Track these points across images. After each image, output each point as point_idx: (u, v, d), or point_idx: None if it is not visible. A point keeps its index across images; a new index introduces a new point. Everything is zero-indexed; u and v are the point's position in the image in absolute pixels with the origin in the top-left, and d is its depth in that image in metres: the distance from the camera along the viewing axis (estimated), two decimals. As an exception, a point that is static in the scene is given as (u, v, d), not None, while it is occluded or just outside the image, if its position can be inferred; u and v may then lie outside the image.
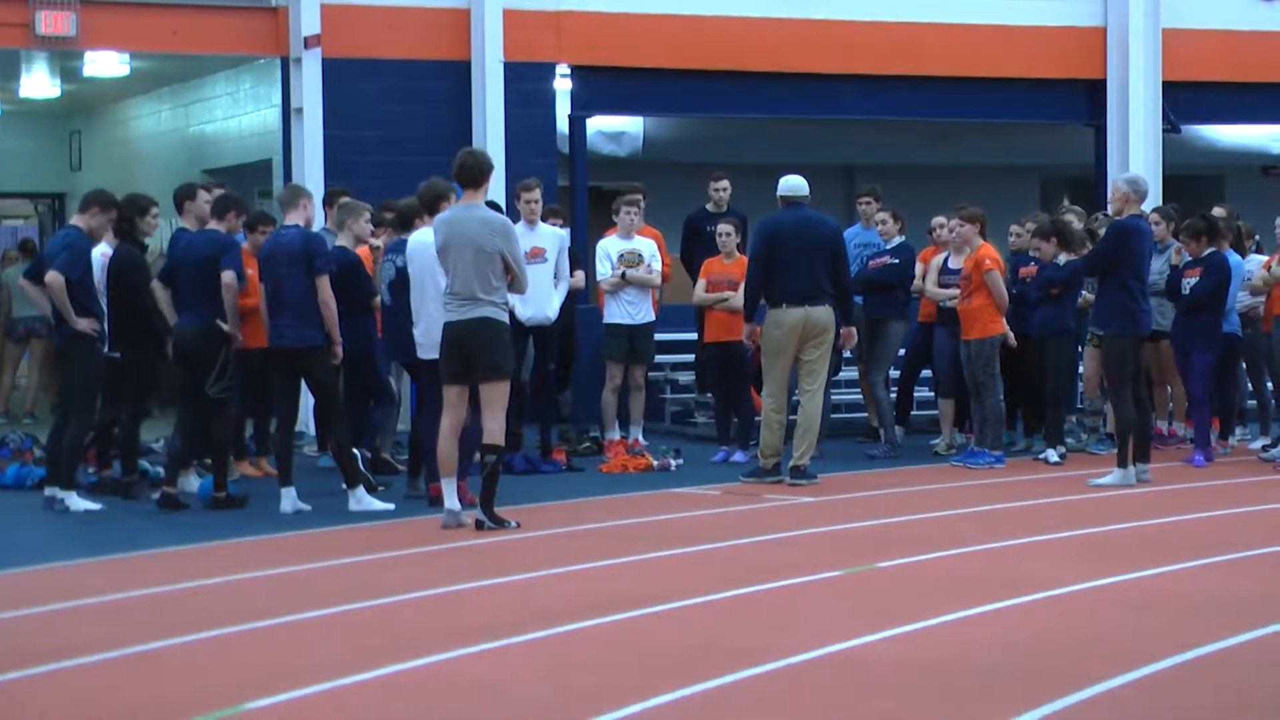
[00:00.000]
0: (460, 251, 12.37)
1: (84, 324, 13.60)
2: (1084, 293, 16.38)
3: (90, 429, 14.15)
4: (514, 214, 16.70)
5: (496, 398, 12.45)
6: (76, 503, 13.72)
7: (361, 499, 13.54)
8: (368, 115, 19.72)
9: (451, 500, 12.58)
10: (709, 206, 18.53)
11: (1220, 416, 17.16)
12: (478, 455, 12.54)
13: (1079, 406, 17.53)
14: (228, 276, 13.70)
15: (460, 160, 12.65)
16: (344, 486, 13.64)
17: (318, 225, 16.01)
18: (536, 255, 15.83)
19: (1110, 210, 14.92)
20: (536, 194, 16.01)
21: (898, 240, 17.18)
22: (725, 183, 18.45)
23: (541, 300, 15.82)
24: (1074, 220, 17.01)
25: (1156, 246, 16.99)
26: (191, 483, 14.30)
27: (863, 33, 21.50)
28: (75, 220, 14.16)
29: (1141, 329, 14.79)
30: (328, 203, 16.43)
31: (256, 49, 19.92)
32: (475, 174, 12.58)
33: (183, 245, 14.11)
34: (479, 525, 12.39)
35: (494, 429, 12.42)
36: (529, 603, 10.00)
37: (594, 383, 18.03)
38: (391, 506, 13.56)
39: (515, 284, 12.61)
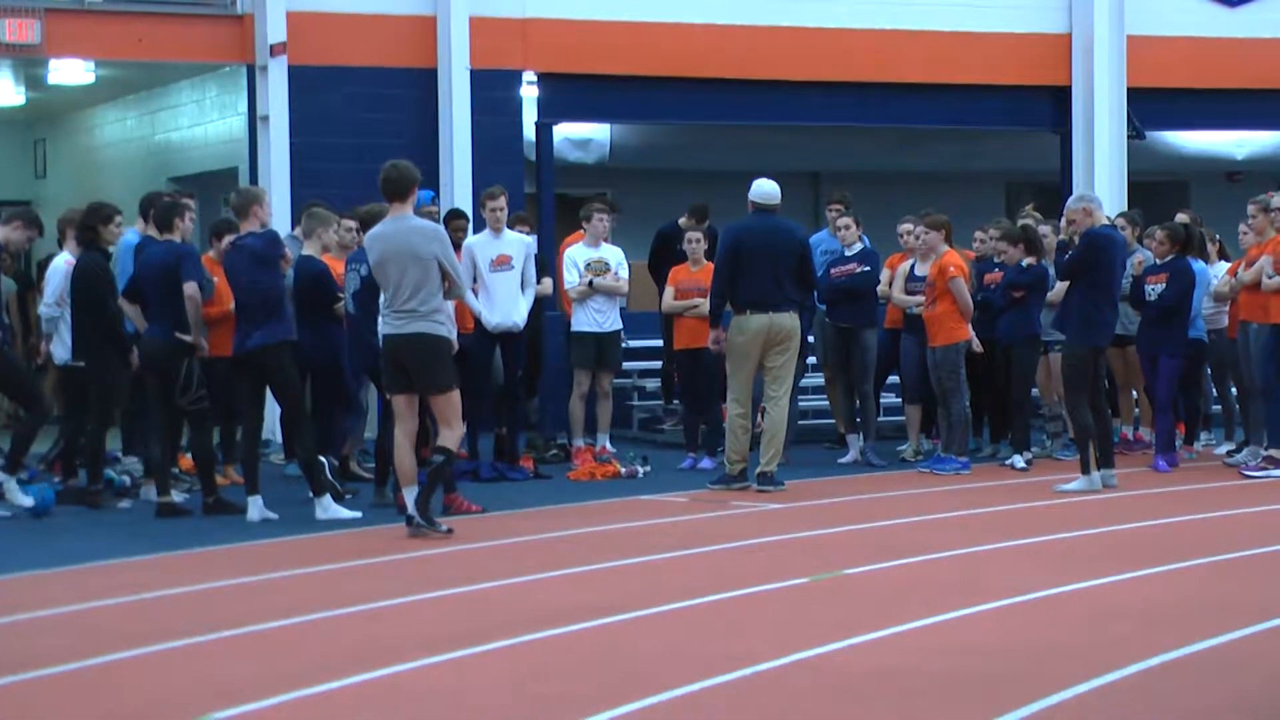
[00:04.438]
0: (398, 264, 12.38)
1: None
2: (1049, 293, 16.39)
3: (43, 423, 14.14)
4: (480, 222, 16.74)
5: (446, 409, 12.51)
6: (12, 488, 13.81)
7: (328, 507, 13.52)
8: (334, 123, 19.69)
9: (412, 509, 12.56)
10: (681, 223, 18.51)
11: (1186, 422, 17.23)
12: (435, 457, 12.52)
13: (1039, 412, 17.58)
14: (189, 288, 13.66)
15: (384, 174, 12.60)
16: (310, 495, 13.63)
17: (284, 232, 16.00)
18: (503, 263, 15.86)
19: (1068, 233, 14.96)
20: (501, 201, 16.01)
21: (859, 246, 17.18)
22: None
23: (509, 307, 15.85)
24: (1033, 224, 17.07)
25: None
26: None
27: (828, 39, 21.52)
28: None
29: (1100, 339, 14.84)
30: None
31: (222, 56, 19.87)
32: (400, 186, 12.53)
33: (143, 257, 14.13)
34: (409, 522, 12.39)
35: (448, 435, 12.51)
36: (496, 611, 9.99)
37: (560, 390, 18.04)
38: (359, 515, 13.55)
39: (452, 290, 12.60)
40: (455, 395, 12.56)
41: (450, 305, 13.14)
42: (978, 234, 17.54)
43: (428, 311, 12.39)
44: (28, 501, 13.91)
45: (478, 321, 15.82)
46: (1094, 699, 7.79)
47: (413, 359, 12.40)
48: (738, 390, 15.07)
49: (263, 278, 13.56)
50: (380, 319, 12.96)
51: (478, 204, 16.77)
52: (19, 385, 14.14)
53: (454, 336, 13.08)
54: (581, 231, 17.81)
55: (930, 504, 14.25)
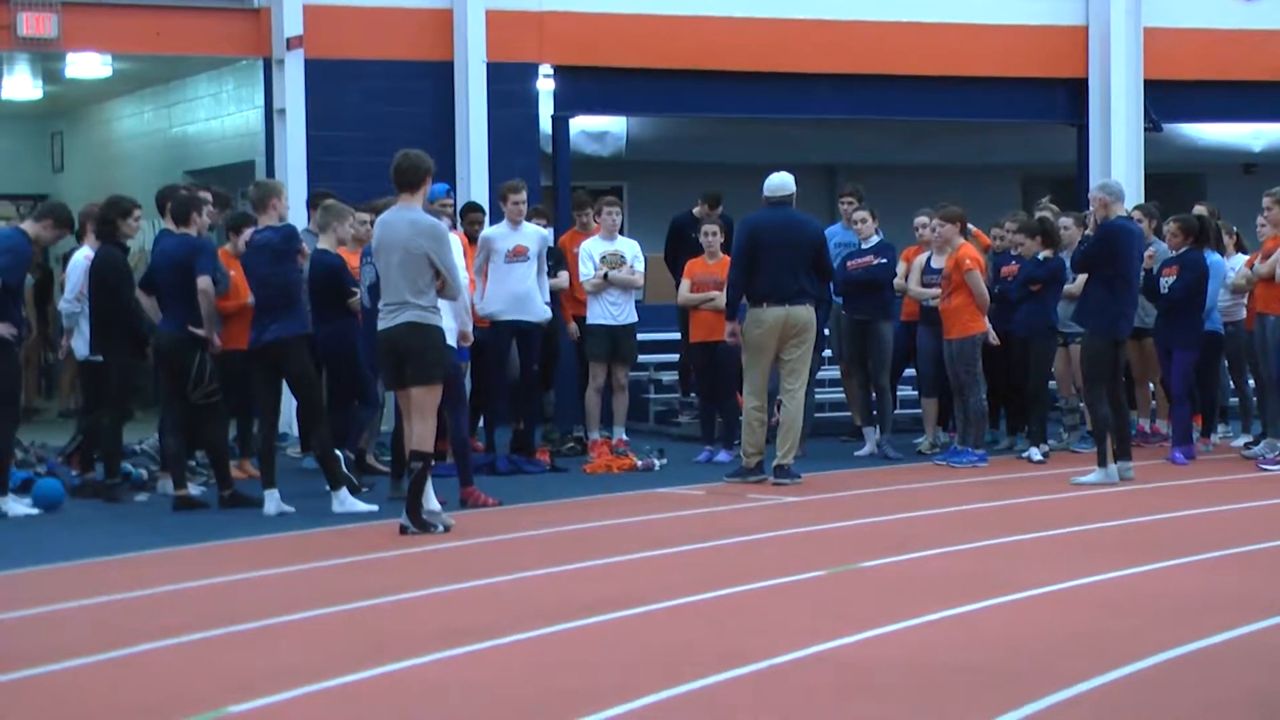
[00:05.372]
0: (389, 254, 12.31)
1: (3, 328, 13.48)
2: (1067, 286, 16.38)
3: (13, 433, 14.07)
4: (495, 215, 16.79)
5: (425, 403, 12.34)
6: (13, 507, 13.68)
7: (345, 500, 13.54)
8: (350, 116, 19.72)
9: (430, 501, 12.56)
10: (695, 211, 18.53)
11: (1203, 414, 17.20)
12: (411, 462, 12.44)
13: (1056, 404, 17.57)
14: (203, 282, 13.70)
15: (395, 163, 12.47)
16: (327, 488, 13.65)
17: (300, 226, 16.02)
18: (520, 254, 15.96)
19: (1094, 219, 14.92)
20: (524, 195, 16.15)
21: (875, 239, 17.16)
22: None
23: (525, 297, 15.94)
24: (1050, 217, 17.07)
25: (1139, 244, 17.04)
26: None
27: (844, 32, 21.52)
28: (26, 226, 14.05)
29: (1120, 332, 14.82)
30: (312, 205, 16.42)
31: (239, 50, 19.91)
32: (410, 176, 12.42)
33: (158, 250, 14.15)
34: (402, 530, 12.34)
35: (421, 434, 12.34)
36: (512, 604, 10.01)
37: (576, 383, 18.04)
38: (375, 508, 13.56)
39: (446, 290, 12.42)
40: (438, 391, 12.44)
41: (467, 299, 13.14)
42: (994, 230, 17.53)
43: (419, 303, 12.29)
44: (29, 511, 13.79)
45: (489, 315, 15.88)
46: (1110, 692, 7.79)
47: (406, 348, 12.30)
48: (754, 383, 15.07)
49: (279, 271, 13.58)
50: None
51: (498, 197, 16.77)
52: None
53: (463, 326, 13.10)
54: (576, 229, 17.87)
55: (946, 497, 14.24)
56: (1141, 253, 15.38)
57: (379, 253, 12.46)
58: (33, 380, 21.48)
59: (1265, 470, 15.63)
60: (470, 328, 13.86)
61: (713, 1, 21.03)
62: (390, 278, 12.34)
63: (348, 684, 8.06)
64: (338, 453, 13.87)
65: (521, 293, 15.98)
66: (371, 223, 14.57)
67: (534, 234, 16.19)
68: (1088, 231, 16.06)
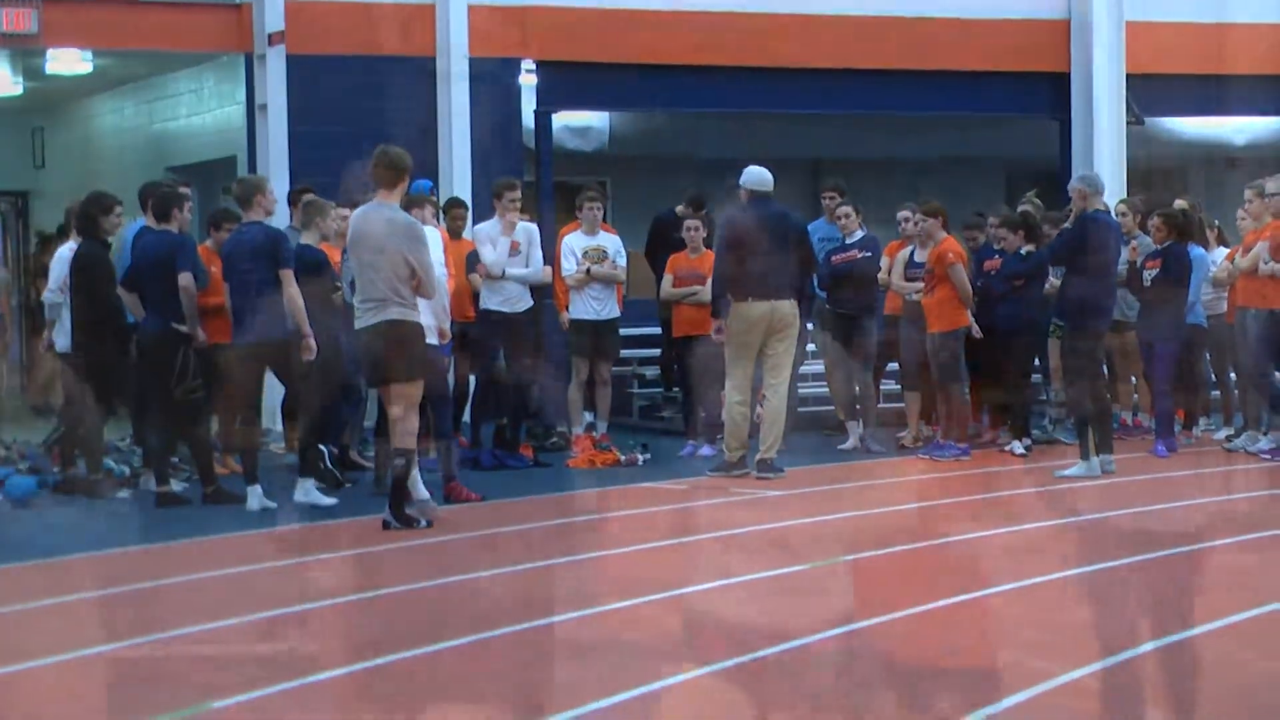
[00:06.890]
0: (363, 251, 12.27)
1: None
2: (1051, 279, 16.39)
3: None
4: (479, 211, 16.79)
5: (406, 399, 12.31)
6: None
7: (309, 491, 13.47)
8: (332, 111, 19.64)
9: (419, 490, 12.53)
10: (679, 210, 18.53)
11: (1185, 407, 17.23)
12: (396, 459, 12.41)
13: (1042, 398, 17.58)
14: (184, 279, 13.68)
15: (374, 158, 12.36)
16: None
17: (283, 223, 16.00)
18: (513, 250, 16.08)
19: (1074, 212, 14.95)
20: (519, 192, 16.17)
21: (859, 234, 17.15)
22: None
23: (517, 292, 15.99)
24: (1033, 211, 17.08)
25: (1124, 238, 17.06)
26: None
27: (827, 26, 21.51)
28: None
29: (1098, 325, 14.82)
30: (293, 201, 16.39)
31: (220, 45, 19.85)
32: (389, 174, 12.32)
33: (139, 246, 14.13)
34: (385, 526, 12.30)
35: (404, 430, 12.30)
36: (493, 599, 10.00)
37: (558, 378, 18.03)
38: (334, 502, 13.48)
39: (422, 289, 12.36)
40: (419, 387, 12.39)
41: (445, 296, 13.12)
42: (967, 233, 17.47)
43: (398, 300, 12.24)
44: None
45: (482, 310, 15.87)
46: (1095, 683, 7.80)
47: (386, 345, 12.24)
48: (738, 378, 15.06)
49: (257, 268, 13.48)
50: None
51: (492, 194, 16.70)
52: None
53: (441, 323, 13.09)
54: (577, 220, 17.83)
55: (930, 490, 14.26)
56: (1118, 245, 15.39)
57: (354, 248, 12.43)
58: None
59: (1266, 459, 15.65)
60: (449, 324, 13.82)
61: (697, -5, 21.03)
62: (366, 275, 12.30)
63: (330, 679, 8.06)
64: (322, 448, 13.84)
65: (512, 288, 16.03)
66: (351, 218, 14.61)
67: (521, 229, 16.23)
68: (1065, 225, 16.10)
